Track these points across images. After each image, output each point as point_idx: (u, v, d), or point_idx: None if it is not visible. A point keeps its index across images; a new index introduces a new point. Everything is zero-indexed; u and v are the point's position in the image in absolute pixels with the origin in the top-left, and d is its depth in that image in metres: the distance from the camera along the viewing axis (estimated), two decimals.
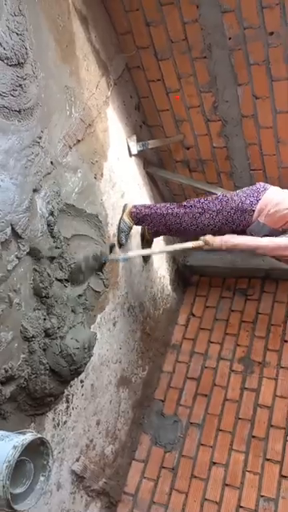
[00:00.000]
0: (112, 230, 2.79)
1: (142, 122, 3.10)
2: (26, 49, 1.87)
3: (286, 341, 3.32)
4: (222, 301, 3.75)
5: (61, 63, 2.21)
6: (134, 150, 2.94)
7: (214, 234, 2.49)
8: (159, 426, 3.14)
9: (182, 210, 2.61)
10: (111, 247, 2.67)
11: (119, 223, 2.75)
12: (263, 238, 2.35)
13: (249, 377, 3.21)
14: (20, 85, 1.84)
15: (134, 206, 2.78)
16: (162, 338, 3.55)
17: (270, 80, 2.60)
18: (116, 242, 2.77)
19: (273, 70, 2.56)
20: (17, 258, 1.90)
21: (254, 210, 2.41)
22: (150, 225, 2.78)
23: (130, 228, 2.80)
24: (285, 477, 2.70)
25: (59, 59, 2.20)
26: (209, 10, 2.45)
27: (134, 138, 2.95)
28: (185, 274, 4.00)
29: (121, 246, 2.79)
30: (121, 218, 2.76)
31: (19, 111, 1.84)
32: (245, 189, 2.53)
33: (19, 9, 1.86)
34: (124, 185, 2.88)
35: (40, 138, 2.01)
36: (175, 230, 2.72)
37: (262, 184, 2.53)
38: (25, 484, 1.76)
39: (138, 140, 2.98)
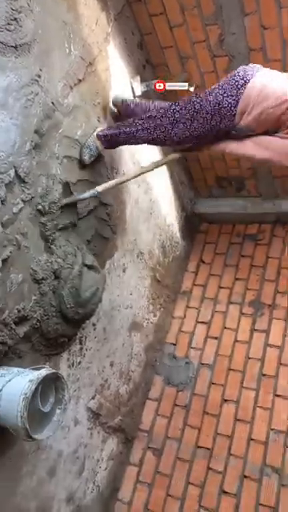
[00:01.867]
0: (118, 176, 2.75)
1: (145, 60, 2.97)
2: None
3: None
4: (231, 247, 3.74)
5: None
6: (138, 91, 2.84)
7: (194, 144, 2.21)
8: (171, 368, 3.24)
9: (151, 123, 2.17)
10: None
11: (87, 139, 2.32)
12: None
13: (259, 319, 3.25)
14: (15, 18, 1.77)
15: (101, 131, 2.35)
16: (172, 285, 3.59)
17: (278, 7, 2.46)
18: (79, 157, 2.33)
19: None
20: (22, 201, 1.90)
21: (234, 115, 1.99)
22: (122, 143, 2.40)
23: (98, 150, 2.35)
24: None
25: None
26: None
27: (138, 78, 2.84)
28: (194, 222, 3.98)
29: (82, 164, 2.33)
30: (91, 135, 2.34)
31: (15, 47, 1.78)
32: (222, 82, 2.03)
33: None
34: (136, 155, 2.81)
35: (39, 76, 1.95)
36: (149, 144, 2.36)
37: (241, 72, 2.00)
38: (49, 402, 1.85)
39: (142, 80, 2.88)
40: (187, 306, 3.55)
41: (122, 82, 2.72)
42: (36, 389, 1.72)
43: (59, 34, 2.14)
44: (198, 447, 2.89)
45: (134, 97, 2.87)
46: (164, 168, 3.44)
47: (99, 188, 2.22)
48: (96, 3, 2.43)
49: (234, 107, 1.96)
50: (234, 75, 2.00)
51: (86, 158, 2.31)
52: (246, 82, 1.95)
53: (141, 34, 2.85)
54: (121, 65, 2.71)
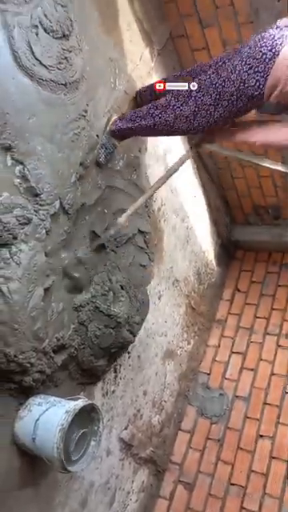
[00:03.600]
0: (156, 204, 2.78)
1: None
2: (70, 21, 1.86)
3: None
4: (268, 276, 3.68)
5: (104, 35, 2.19)
6: None
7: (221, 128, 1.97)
8: (205, 399, 3.17)
9: (171, 114, 1.93)
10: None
11: (103, 137, 2.17)
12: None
13: None
14: (66, 57, 1.84)
15: (115, 123, 2.18)
16: (207, 313, 3.55)
17: None
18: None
19: None
20: (65, 232, 1.94)
21: (263, 94, 1.71)
22: (138, 135, 2.26)
23: (115, 146, 2.20)
24: None
25: (103, 31, 2.18)
26: None
27: None
28: (230, 249, 3.95)
29: (98, 164, 2.17)
30: (104, 132, 2.18)
31: (65, 84, 1.85)
32: (245, 53, 1.73)
33: None
34: (168, 159, 2.85)
35: (85, 111, 2.02)
36: (169, 135, 2.19)
37: (268, 42, 1.67)
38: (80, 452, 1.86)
39: None
40: (222, 335, 3.50)
41: None
42: (72, 420, 1.72)
43: (106, 70, 2.21)
44: (232, 484, 2.80)
45: None
46: (201, 195, 3.46)
47: (122, 219, 2.16)
48: (141, 39, 2.51)
49: (263, 85, 1.69)
50: (261, 46, 1.68)
51: (102, 159, 2.16)
52: (275, 53, 1.64)
53: (182, 69, 2.91)
54: None
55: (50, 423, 1.70)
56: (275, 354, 3.21)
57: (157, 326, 2.89)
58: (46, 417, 1.74)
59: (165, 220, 2.90)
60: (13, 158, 1.65)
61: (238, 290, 3.72)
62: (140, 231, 2.58)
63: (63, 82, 1.83)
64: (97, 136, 2.12)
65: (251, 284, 3.70)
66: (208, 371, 3.32)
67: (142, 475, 2.78)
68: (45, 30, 1.74)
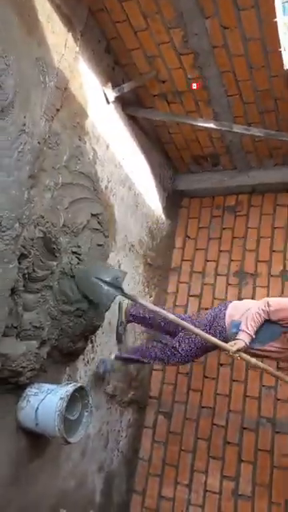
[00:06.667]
0: (103, 183, 2.94)
1: (113, 63, 3.05)
2: None
3: (274, 251, 3.65)
4: (213, 220, 4.01)
5: (28, 37, 2.19)
6: (111, 97, 2.96)
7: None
8: None
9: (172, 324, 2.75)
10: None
11: (108, 359, 2.97)
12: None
13: (244, 288, 3.61)
14: None
15: (130, 309, 3.12)
16: (163, 265, 3.88)
17: (237, 10, 2.55)
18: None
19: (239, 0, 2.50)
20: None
21: (225, 314, 2.65)
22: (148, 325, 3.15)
23: (113, 368, 3.01)
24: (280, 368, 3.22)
25: (25, 33, 2.17)
26: None
27: (109, 84, 2.95)
28: (176, 199, 4.19)
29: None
30: (119, 321, 3.13)
31: (2, 110, 1.92)
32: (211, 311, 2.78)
33: None
34: (107, 136, 2.96)
35: (24, 124, 2.09)
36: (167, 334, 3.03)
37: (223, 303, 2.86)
38: (75, 413, 2.23)
39: (113, 84, 2.98)
40: (179, 282, 3.88)
41: (95, 91, 2.83)
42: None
43: (34, 72, 2.24)
44: (202, 407, 3.36)
45: (108, 103, 2.99)
46: (141, 156, 3.58)
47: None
48: (62, 26, 2.49)
49: (224, 310, 2.68)
50: (218, 308, 2.76)
51: (101, 371, 2.89)
52: (226, 306, 2.74)
53: (107, 40, 2.91)
54: (92, 76, 2.80)
55: (48, 412, 2.05)
56: (226, 293, 3.65)
57: None
58: (44, 405, 2.08)
59: (113, 194, 3.08)
60: None
61: (188, 237, 4.04)
62: (93, 215, 2.76)
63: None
64: (38, 143, 2.22)
65: (199, 230, 4.02)
66: None
67: (127, 415, 3.28)
68: None
